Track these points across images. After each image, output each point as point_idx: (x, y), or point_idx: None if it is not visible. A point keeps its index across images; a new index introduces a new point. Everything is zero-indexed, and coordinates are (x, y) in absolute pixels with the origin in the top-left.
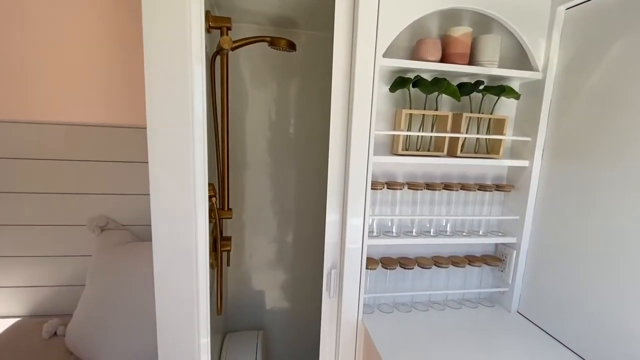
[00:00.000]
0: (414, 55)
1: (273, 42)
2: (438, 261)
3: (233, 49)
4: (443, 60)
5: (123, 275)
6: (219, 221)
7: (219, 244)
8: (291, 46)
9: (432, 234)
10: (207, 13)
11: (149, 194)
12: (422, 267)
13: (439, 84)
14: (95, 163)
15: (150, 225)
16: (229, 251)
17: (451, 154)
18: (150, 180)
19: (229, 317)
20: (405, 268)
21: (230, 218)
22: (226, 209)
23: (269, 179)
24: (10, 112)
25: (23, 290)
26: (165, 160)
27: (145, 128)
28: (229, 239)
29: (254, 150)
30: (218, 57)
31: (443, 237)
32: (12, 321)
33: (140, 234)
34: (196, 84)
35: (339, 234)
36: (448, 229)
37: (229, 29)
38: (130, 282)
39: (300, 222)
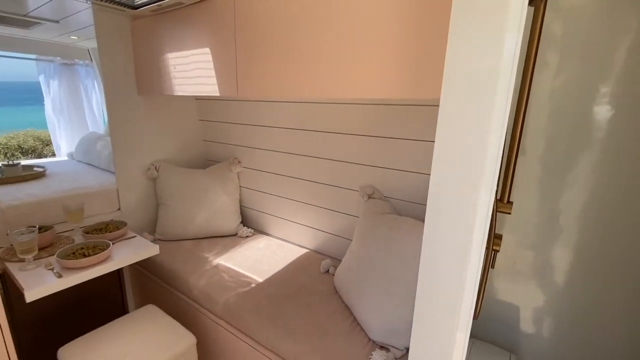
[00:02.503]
0: None
1: None
2: None
3: None
4: None
5: (381, 242)
6: (494, 215)
7: (491, 241)
8: None
9: None
10: None
11: (412, 172)
12: None
13: None
14: (371, 138)
15: (409, 202)
16: (497, 251)
17: None
18: (434, 158)
19: (476, 321)
20: None
21: (509, 213)
22: (506, 201)
23: (554, 169)
24: (328, 92)
25: (312, 230)
26: (454, 139)
27: (424, 105)
28: (499, 237)
29: (536, 130)
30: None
31: None
32: (304, 250)
33: (398, 208)
34: (507, 51)
35: None
36: None
37: None
38: (386, 251)
39: (599, 234)
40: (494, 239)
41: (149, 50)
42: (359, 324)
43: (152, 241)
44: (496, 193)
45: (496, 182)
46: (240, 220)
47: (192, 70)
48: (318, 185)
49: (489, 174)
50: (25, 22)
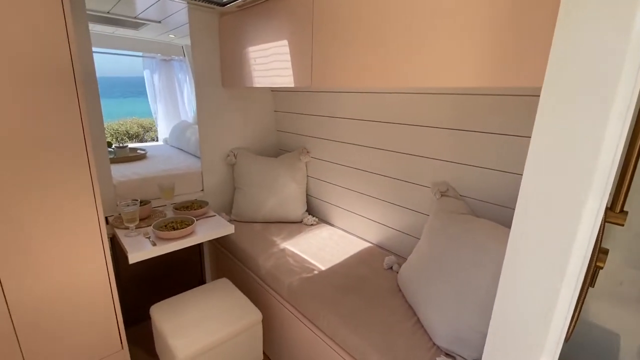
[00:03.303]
0: None
1: None
2: None
3: None
4: None
5: (454, 244)
6: (602, 226)
7: (595, 256)
8: None
9: None
10: None
11: (494, 169)
12: None
13: None
14: (449, 131)
15: (488, 202)
16: (600, 268)
17: None
18: (530, 155)
19: (565, 345)
20: None
21: (622, 225)
22: (618, 210)
23: None
24: (411, 80)
25: (377, 225)
26: (558, 134)
27: (515, 95)
28: (605, 252)
29: None
30: None
31: None
32: (367, 244)
33: (475, 208)
34: (637, 31)
35: None
36: None
37: None
38: (460, 254)
39: None
40: (598, 253)
41: (233, 45)
42: (422, 326)
43: (228, 221)
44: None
45: (609, 189)
46: (305, 208)
47: (270, 63)
48: (386, 179)
49: (600, 178)
50: (135, 23)
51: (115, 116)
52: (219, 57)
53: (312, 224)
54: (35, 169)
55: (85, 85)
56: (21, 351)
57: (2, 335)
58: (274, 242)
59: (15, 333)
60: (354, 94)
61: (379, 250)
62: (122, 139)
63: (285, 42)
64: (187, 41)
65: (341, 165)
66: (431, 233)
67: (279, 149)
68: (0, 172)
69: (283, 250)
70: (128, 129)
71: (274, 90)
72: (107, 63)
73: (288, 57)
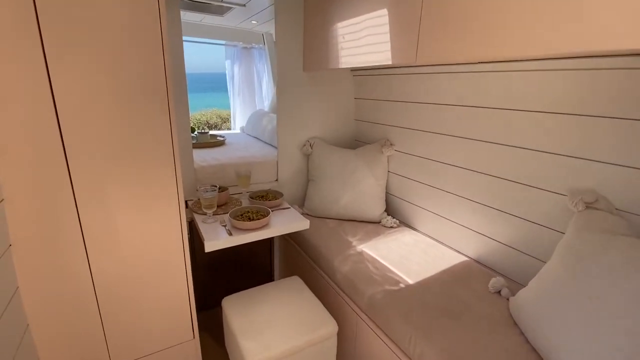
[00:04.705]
0: None
1: None
2: None
3: None
4: None
5: (612, 276)
6: None
7: None
8: None
9: None
10: None
11: None
12: None
13: None
14: (597, 119)
15: None
16: None
17: None
18: None
19: None
20: None
21: None
22: None
23: None
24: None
25: (476, 235)
26: None
27: None
28: None
29: None
30: None
31: None
32: (463, 258)
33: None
34: None
35: None
36: None
37: None
38: (631, 292)
39: None
40: None
41: (318, 23)
42: None
43: (301, 214)
44: None
45: None
46: (384, 207)
47: (362, 39)
48: (494, 179)
49: None
50: (221, 8)
51: (196, 108)
52: (301, 40)
53: (392, 227)
54: (126, 156)
55: (174, 75)
56: (103, 329)
57: (87, 308)
58: (349, 242)
59: (99, 309)
60: (457, 74)
61: (479, 267)
62: (202, 128)
63: (384, 11)
64: (267, 28)
65: (432, 161)
66: (571, 256)
67: (355, 140)
68: (99, 161)
69: (360, 253)
70: (208, 119)
71: (356, 75)
72: (191, 61)
73: (387, 28)
